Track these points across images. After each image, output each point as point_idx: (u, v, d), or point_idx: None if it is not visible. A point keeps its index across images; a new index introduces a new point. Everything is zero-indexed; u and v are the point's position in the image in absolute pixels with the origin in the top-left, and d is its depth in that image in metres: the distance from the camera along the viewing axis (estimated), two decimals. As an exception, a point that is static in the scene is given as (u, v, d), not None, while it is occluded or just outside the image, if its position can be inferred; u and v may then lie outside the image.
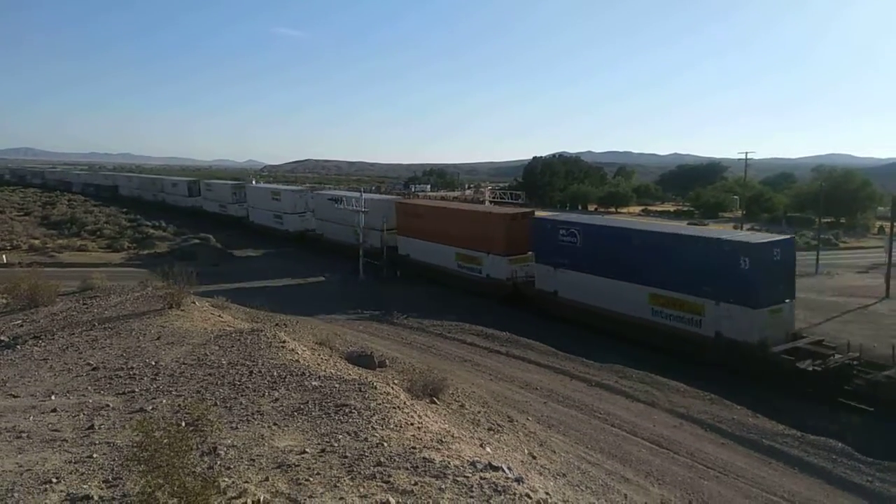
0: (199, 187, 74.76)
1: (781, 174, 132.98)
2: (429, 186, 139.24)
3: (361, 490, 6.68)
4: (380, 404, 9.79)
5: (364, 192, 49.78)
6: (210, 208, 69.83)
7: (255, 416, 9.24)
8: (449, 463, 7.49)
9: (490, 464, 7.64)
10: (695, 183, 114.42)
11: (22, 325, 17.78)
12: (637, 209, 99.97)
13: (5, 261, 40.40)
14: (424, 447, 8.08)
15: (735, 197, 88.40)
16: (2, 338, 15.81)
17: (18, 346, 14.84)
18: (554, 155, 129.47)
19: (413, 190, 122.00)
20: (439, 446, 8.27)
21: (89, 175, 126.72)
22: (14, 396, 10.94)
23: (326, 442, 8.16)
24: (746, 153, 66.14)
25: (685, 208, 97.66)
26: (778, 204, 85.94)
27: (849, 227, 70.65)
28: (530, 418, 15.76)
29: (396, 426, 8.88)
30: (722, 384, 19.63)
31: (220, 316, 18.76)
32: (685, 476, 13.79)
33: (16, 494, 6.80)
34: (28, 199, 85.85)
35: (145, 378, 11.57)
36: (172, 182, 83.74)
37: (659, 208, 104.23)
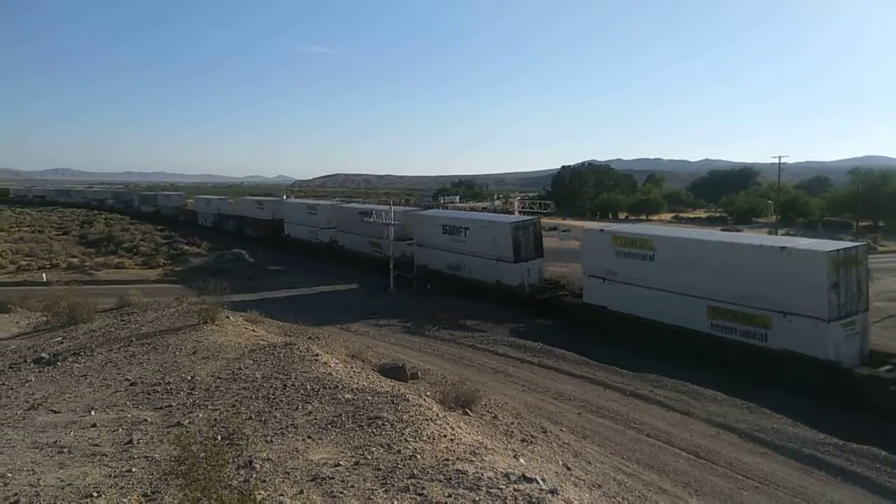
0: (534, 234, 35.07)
1: (816, 178, 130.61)
2: (458, 198, 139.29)
3: (395, 502, 6.68)
4: (412, 416, 9.77)
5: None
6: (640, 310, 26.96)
7: (290, 430, 9.30)
8: (482, 475, 7.45)
9: (524, 475, 7.57)
10: (727, 188, 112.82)
11: (62, 342, 18.21)
12: (668, 216, 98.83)
13: (45, 279, 41.45)
14: (457, 459, 8.05)
15: (769, 202, 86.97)
16: (43, 355, 16.18)
17: (59, 363, 15.17)
18: (583, 163, 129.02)
19: (442, 202, 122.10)
20: (472, 458, 8.22)
21: (222, 202, 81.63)
22: (55, 412, 11.18)
23: (360, 454, 8.17)
24: (780, 157, 65.00)
25: (717, 214, 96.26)
26: (813, 208, 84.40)
27: (888, 230, 68.91)
28: (564, 429, 15.62)
29: (429, 438, 8.86)
30: (759, 393, 19.23)
31: (253, 330, 18.95)
32: (724, 487, 13.52)
33: (58, 508, 6.94)
34: (66, 219, 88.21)
35: (182, 392, 11.73)
36: (446, 223, 39.26)
37: (691, 215, 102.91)
